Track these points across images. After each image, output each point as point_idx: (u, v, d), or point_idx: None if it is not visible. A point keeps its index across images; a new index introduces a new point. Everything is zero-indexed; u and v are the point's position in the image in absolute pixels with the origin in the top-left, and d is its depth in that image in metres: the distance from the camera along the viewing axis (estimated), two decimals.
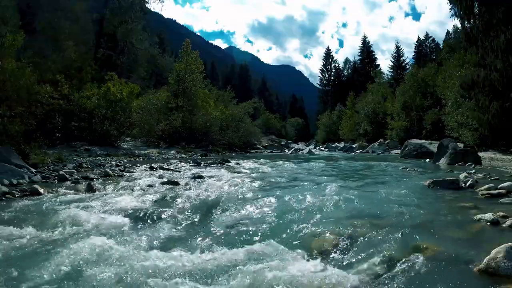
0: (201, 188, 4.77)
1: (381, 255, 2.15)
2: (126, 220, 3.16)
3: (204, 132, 18.67)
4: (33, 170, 5.67)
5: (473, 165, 8.15)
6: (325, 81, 60.45)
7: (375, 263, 2.07)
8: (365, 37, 56.91)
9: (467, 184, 4.52)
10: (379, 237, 2.46)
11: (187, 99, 19.09)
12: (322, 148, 30.44)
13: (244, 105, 26.11)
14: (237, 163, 9.56)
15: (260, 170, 7.77)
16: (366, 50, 55.80)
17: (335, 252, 2.31)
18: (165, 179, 5.50)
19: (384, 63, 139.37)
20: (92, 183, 4.75)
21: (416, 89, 25.39)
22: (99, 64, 19.99)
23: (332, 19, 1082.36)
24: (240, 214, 3.35)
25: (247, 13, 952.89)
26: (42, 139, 8.15)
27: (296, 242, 2.49)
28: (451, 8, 13.44)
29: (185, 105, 18.90)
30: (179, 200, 3.86)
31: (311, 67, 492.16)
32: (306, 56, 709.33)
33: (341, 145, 30.13)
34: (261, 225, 2.93)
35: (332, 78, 59.85)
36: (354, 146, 26.16)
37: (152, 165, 7.84)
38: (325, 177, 6.40)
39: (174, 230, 2.94)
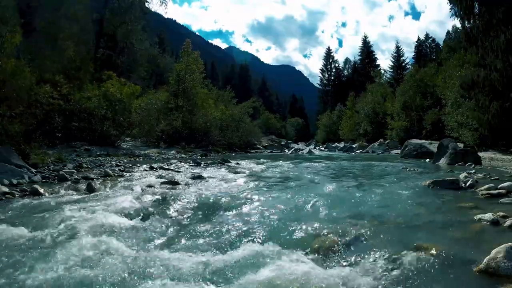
0: (201, 188, 4.77)
1: (381, 255, 2.15)
2: (126, 220, 3.16)
3: (204, 132, 18.66)
4: (33, 170, 5.67)
5: (473, 165, 8.15)
6: (325, 81, 60.45)
7: (374, 263, 2.07)
8: (365, 37, 56.94)
9: (467, 184, 4.51)
10: (379, 237, 2.46)
11: (187, 99, 19.09)
12: (322, 148, 30.41)
13: (243, 105, 26.10)
14: (237, 163, 9.56)
15: (260, 170, 7.77)
16: (366, 50, 55.78)
17: (335, 252, 2.31)
18: (165, 179, 5.50)
19: (384, 62, 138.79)
20: (92, 183, 4.74)
21: (416, 89, 25.39)
22: (99, 64, 20.00)
23: (331, 19, 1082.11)
24: (240, 214, 3.35)
25: (246, 12, 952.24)
26: (42, 139, 8.14)
27: (296, 242, 2.50)
28: (451, 8, 13.43)
29: (185, 105, 18.91)
30: (179, 200, 3.86)
31: (310, 67, 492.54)
32: (305, 56, 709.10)
33: (341, 145, 30.09)
34: (261, 225, 2.93)
35: (332, 78, 59.85)
36: (354, 146, 26.13)
37: (152, 165, 7.84)
38: (325, 177, 6.40)
39: (174, 230, 2.94)
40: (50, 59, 12.99)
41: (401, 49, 46.04)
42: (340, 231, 2.62)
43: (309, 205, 3.53)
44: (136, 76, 27.08)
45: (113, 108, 12.65)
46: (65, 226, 2.87)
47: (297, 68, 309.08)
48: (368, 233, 2.54)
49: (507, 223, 2.62)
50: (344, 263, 2.16)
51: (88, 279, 1.88)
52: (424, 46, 47.07)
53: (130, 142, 15.36)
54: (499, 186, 4.03)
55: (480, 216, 2.82)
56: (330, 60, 60.68)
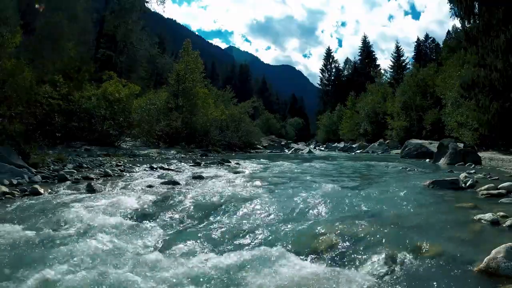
0: (201, 188, 4.77)
1: (381, 255, 2.15)
2: (126, 220, 3.16)
3: (204, 132, 18.66)
4: (33, 170, 5.66)
5: (473, 165, 8.15)
6: (325, 81, 60.50)
7: (375, 263, 2.08)
8: (365, 37, 57.14)
9: (467, 184, 4.51)
10: (379, 237, 2.46)
11: (187, 99, 19.09)
12: (322, 148, 30.40)
13: (243, 105, 26.09)
14: (237, 163, 9.56)
15: (260, 170, 7.77)
16: (366, 50, 55.88)
17: (335, 253, 2.31)
18: (165, 179, 5.50)
19: (384, 62, 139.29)
20: (92, 183, 4.75)
21: (416, 89, 25.42)
22: (99, 64, 20.01)
23: (331, 18, 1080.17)
24: (240, 214, 3.35)
25: (245, 12, 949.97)
26: (42, 139, 8.14)
27: (296, 243, 2.49)
28: (451, 8, 13.40)
29: (185, 105, 18.91)
30: (179, 200, 3.86)
31: (310, 66, 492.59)
32: (305, 56, 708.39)
33: (341, 145, 30.08)
34: (260, 225, 2.93)
35: (332, 78, 59.91)
36: (354, 146, 26.13)
37: (152, 165, 7.83)
38: (325, 177, 6.40)
39: (174, 230, 2.94)
40: (50, 59, 12.99)
41: (401, 49, 46.10)
42: (340, 231, 2.62)
43: (309, 206, 3.53)
44: (136, 76, 27.08)
45: (112, 108, 12.64)
46: (65, 226, 2.87)
47: (297, 68, 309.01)
48: (368, 233, 2.54)
49: (507, 223, 2.62)
50: (344, 264, 2.16)
51: (88, 279, 1.88)
52: (424, 46, 47.12)
53: (130, 142, 15.35)
54: (499, 186, 4.03)
55: (480, 216, 2.82)
56: (330, 60, 60.76)
